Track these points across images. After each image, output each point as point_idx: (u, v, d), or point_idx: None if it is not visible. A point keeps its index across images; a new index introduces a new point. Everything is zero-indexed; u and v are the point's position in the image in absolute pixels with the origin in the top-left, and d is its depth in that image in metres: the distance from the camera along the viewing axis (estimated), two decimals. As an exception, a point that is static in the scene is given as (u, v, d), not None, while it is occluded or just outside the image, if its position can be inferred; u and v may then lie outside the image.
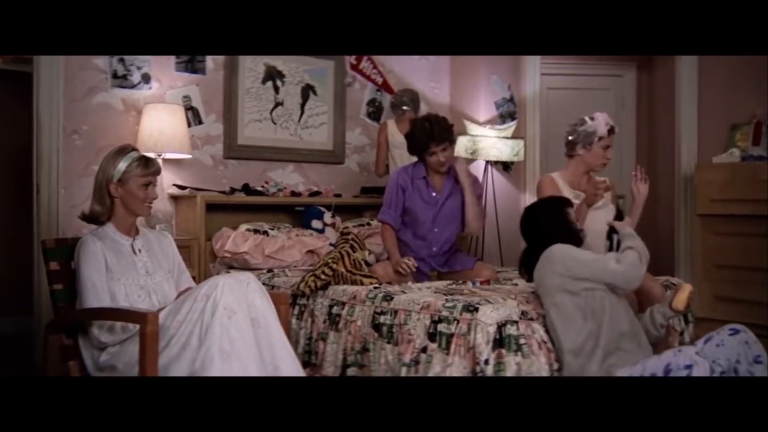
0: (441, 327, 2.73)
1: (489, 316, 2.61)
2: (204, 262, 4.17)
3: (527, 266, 2.87)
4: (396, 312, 2.93)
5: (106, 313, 2.45)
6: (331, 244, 4.18)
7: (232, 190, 4.51)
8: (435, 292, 3.07)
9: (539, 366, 2.57)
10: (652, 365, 2.27)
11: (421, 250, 3.69)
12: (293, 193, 4.68)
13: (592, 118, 3.32)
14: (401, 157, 4.59)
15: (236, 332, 2.29)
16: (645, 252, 2.65)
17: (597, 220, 3.12)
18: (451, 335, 2.68)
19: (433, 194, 3.70)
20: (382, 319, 2.96)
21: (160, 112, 4.13)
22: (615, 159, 5.21)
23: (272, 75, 4.83)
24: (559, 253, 2.67)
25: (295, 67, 4.91)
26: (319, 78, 5.02)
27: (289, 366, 2.39)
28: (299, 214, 4.69)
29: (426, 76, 5.53)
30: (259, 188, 4.58)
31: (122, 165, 2.57)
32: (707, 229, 4.23)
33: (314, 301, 3.33)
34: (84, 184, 4.02)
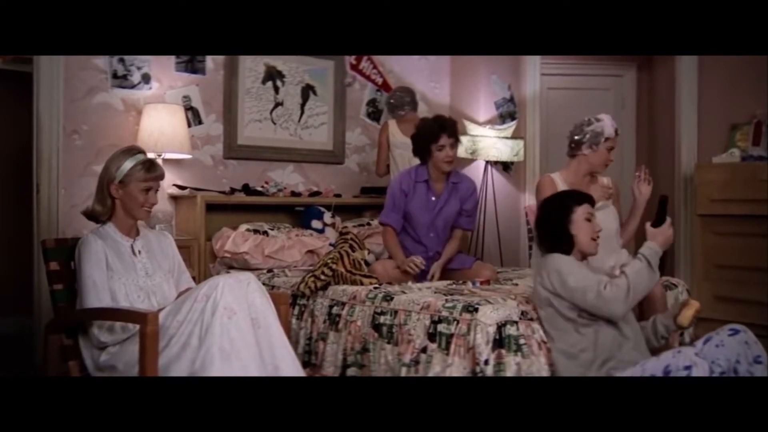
0: (441, 327, 2.73)
1: (489, 316, 2.61)
2: (204, 262, 4.17)
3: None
4: (396, 312, 2.93)
5: (106, 313, 2.45)
6: (330, 244, 4.18)
7: (232, 190, 4.51)
8: (435, 293, 3.07)
9: (539, 366, 2.56)
10: (651, 366, 2.26)
11: (418, 254, 3.69)
12: (293, 193, 4.68)
13: (598, 119, 3.31)
14: (402, 157, 4.59)
15: (236, 332, 2.29)
16: (641, 286, 2.48)
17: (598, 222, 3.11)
18: (451, 335, 2.68)
19: (432, 198, 3.70)
20: (382, 319, 2.96)
21: (160, 112, 4.13)
22: (615, 159, 5.22)
23: (272, 75, 4.83)
24: (552, 265, 2.58)
25: (295, 67, 4.91)
26: (319, 78, 5.02)
27: (289, 366, 2.39)
28: (299, 214, 4.69)
29: (426, 76, 5.53)
30: (259, 188, 4.58)
31: (125, 167, 2.56)
32: (707, 229, 4.23)
33: (314, 302, 3.33)
34: (84, 184, 4.03)
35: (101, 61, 4.20)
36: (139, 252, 2.64)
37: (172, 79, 4.44)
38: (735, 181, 4.07)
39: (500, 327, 2.59)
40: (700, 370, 2.12)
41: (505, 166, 5.23)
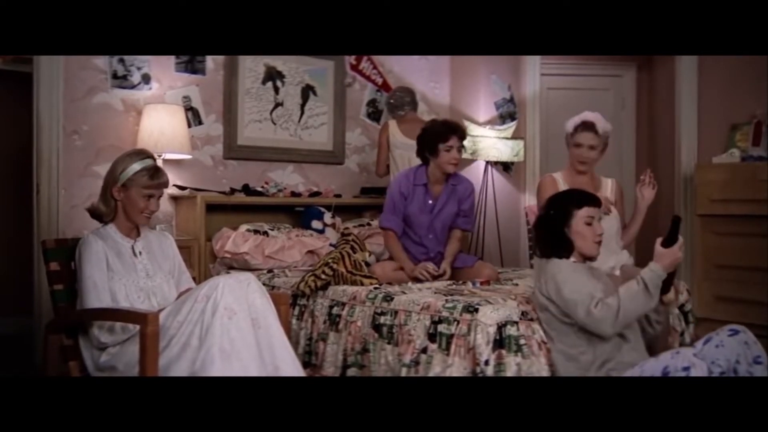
0: (441, 327, 2.73)
1: (489, 316, 2.61)
2: (204, 262, 4.17)
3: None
4: (396, 312, 2.93)
5: (106, 314, 2.45)
6: (331, 245, 4.18)
7: (232, 191, 4.51)
8: (435, 293, 3.07)
9: (539, 366, 2.56)
10: (650, 367, 2.26)
11: (420, 256, 3.69)
12: (293, 194, 4.68)
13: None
14: (402, 157, 4.58)
15: (236, 332, 2.29)
16: (632, 310, 2.41)
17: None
18: (451, 336, 2.68)
19: (429, 201, 3.70)
20: (382, 319, 2.96)
21: (160, 112, 4.13)
22: (615, 159, 5.24)
23: (272, 75, 4.83)
24: (550, 272, 2.57)
25: (295, 68, 4.91)
26: (319, 78, 5.02)
27: (290, 366, 2.39)
28: (299, 214, 4.69)
29: (426, 76, 5.53)
30: (259, 189, 4.58)
31: (130, 170, 2.56)
32: (707, 229, 4.23)
33: (314, 302, 3.33)
34: (84, 184, 4.02)
35: (101, 62, 4.20)
36: (140, 253, 2.64)
37: (172, 80, 4.44)
38: (735, 181, 4.06)
39: (500, 327, 2.59)
40: (699, 371, 2.12)
41: (505, 167, 5.23)
